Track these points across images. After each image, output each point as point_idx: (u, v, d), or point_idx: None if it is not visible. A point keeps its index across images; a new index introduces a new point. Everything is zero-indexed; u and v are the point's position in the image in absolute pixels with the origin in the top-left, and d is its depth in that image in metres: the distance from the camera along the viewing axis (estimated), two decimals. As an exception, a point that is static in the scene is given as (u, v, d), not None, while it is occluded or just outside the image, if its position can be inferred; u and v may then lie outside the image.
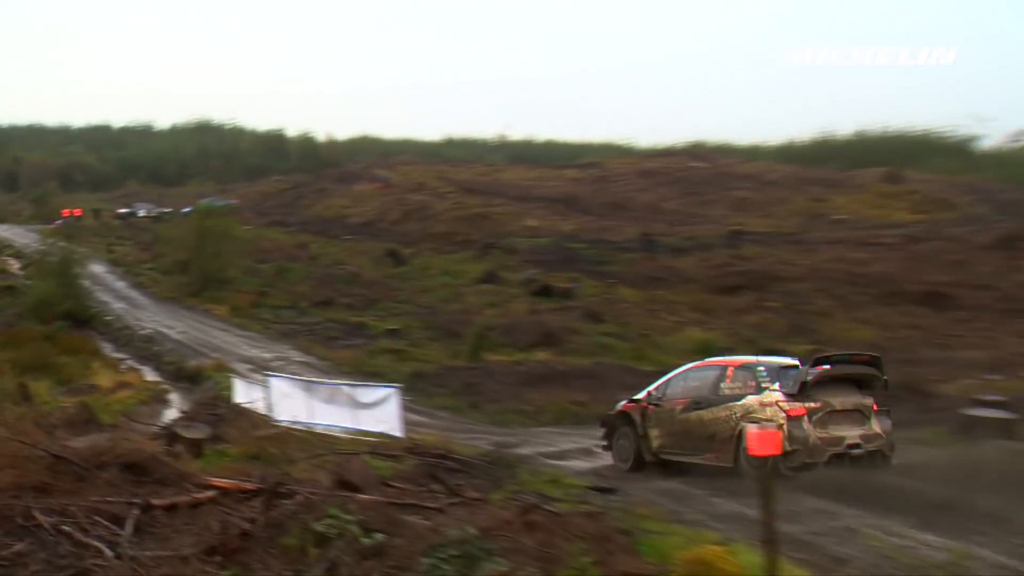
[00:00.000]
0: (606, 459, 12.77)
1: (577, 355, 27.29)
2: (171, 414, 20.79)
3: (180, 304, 37.99)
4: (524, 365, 26.03)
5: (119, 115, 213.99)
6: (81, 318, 34.04)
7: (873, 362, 10.12)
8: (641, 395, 11.63)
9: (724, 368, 10.66)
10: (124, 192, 77.28)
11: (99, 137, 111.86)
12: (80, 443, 7.12)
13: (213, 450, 11.61)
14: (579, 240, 47.15)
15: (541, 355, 27.30)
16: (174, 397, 25.00)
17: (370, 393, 15.68)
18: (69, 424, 12.35)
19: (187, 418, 16.92)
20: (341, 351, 28.71)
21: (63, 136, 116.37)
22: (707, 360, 11.94)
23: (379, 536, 5.71)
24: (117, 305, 37.31)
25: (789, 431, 9.00)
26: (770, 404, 9.56)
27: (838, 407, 9.59)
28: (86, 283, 37.06)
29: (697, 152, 74.64)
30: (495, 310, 33.79)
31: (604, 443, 12.37)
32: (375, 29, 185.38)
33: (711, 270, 39.50)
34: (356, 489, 6.99)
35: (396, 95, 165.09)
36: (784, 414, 9.24)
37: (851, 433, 9.56)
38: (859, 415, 9.70)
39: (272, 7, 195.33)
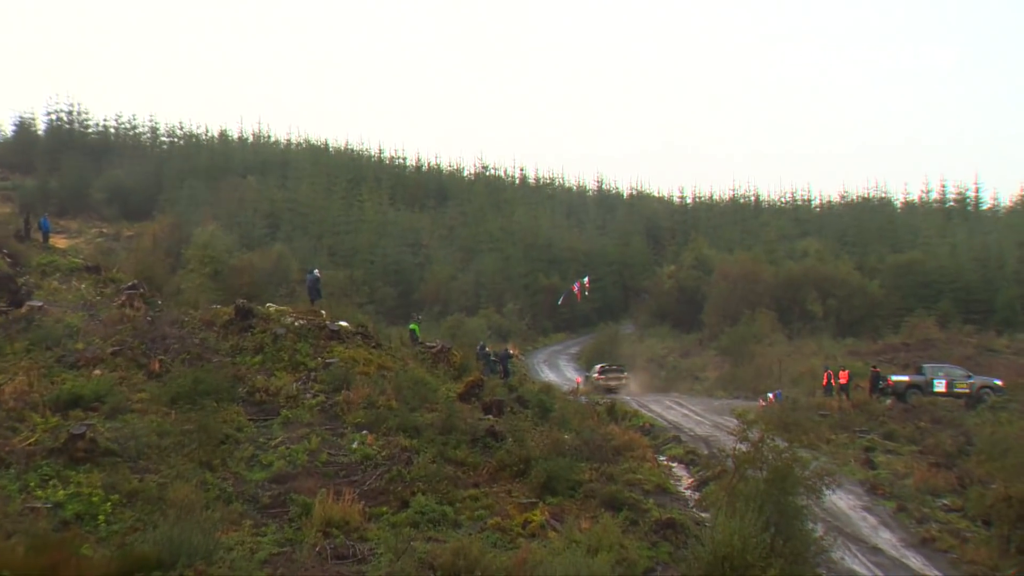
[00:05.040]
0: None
1: None
2: None
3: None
4: None
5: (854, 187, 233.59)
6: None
7: (622, 367, 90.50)
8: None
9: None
10: (890, 341, 73.28)
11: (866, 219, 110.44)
12: None
13: None
14: None
15: None
16: None
17: None
18: None
19: None
20: None
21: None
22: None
23: None
24: (877, 582, 32.91)
25: (595, 383, 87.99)
26: (597, 376, 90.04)
27: (611, 375, 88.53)
28: (817, 527, 32.27)
29: None
30: None
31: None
32: None
33: None
34: None
35: None
36: (597, 379, 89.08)
37: (615, 383, 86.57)
38: (619, 378, 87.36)
39: None
